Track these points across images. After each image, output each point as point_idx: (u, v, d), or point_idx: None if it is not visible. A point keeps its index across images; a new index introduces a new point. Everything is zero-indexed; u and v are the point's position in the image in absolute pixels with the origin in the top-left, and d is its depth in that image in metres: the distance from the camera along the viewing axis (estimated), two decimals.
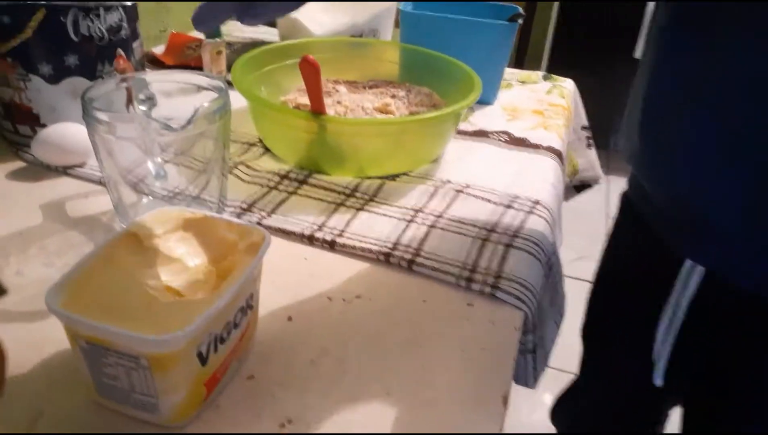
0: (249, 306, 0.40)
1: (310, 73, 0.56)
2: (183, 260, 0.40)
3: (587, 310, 0.72)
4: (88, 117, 0.47)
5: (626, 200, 0.63)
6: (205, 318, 0.33)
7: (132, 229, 0.40)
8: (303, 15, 0.93)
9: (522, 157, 0.72)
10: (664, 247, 0.53)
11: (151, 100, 0.56)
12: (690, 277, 0.50)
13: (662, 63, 0.48)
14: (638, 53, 2.38)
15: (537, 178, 0.67)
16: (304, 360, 0.42)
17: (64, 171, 0.63)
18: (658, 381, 0.56)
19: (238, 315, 0.38)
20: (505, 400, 0.39)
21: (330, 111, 0.70)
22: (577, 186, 0.98)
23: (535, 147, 0.74)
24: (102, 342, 0.33)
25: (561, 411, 0.82)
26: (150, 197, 0.56)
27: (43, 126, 0.64)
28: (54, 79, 0.63)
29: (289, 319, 0.45)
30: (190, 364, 0.34)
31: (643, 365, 0.57)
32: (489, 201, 0.61)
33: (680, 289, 0.51)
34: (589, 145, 0.96)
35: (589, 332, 0.73)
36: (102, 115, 0.46)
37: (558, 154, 0.74)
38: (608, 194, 2.44)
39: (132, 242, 0.40)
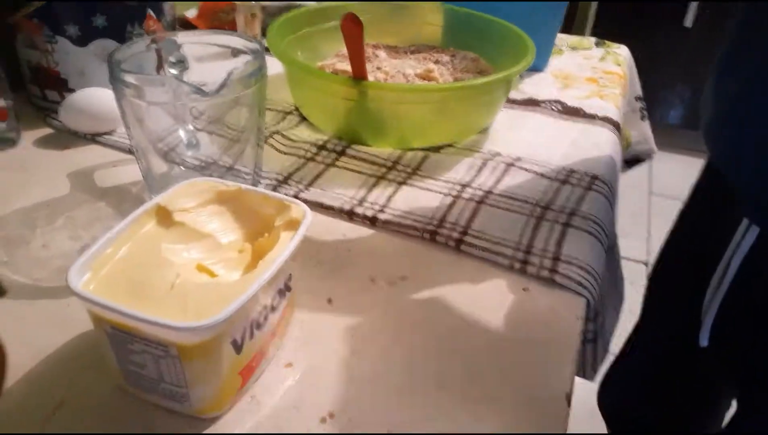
0: (287, 288, 0.36)
1: (353, 33, 0.51)
2: (216, 236, 0.37)
3: (656, 262, 0.70)
4: (115, 80, 0.44)
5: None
6: (241, 303, 0.29)
7: (161, 202, 0.37)
8: None
9: (577, 128, 0.66)
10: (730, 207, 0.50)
11: (182, 64, 0.52)
12: (745, 237, 0.49)
13: None
14: (688, 22, 2.25)
15: (594, 151, 0.61)
16: (345, 348, 0.38)
17: (93, 138, 0.60)
18: (704, 341, 0.54)
19: (275, 298, 0.35)
20: (568, 399, 0.35)
21: (369, 77, 0.65)
22: (628, 160, 0.92)
23: (591, 117, 0.69)
24: (128, 328, 0.30)
25: (608, 390, 0.77)
26: (181, 167, 0.53)
27: (72, 91, 0.61)
28: (81, 40, 0.60)
29: (329, 301, 0.42)
30: (224, 352, 0.31)
31: (692, 325, 0.55)
32: (543, 175, 0.56)
33: (734, 247, 0.50)
34: (643, 117, 0.89)
35: (649, 294, 0.70)
36: (130, 78, 0.43)
37: (615, 124, 0.68)
38: (650, 170, 2.34)
39: (161, 216, 0.37)
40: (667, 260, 0.69)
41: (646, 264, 1.73)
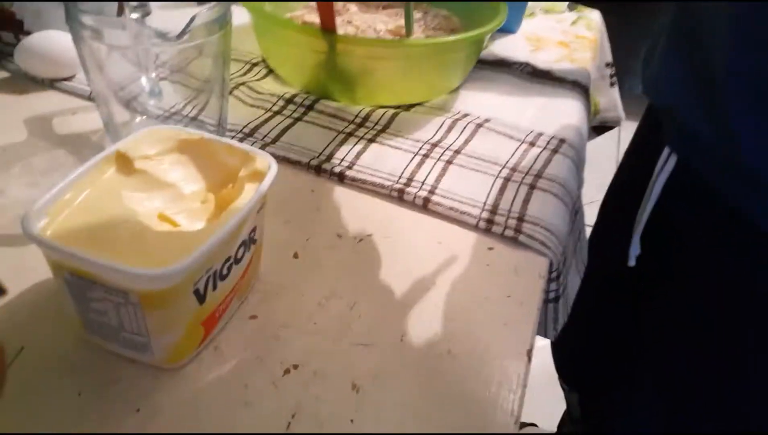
0: (252, 240, 0.36)
1: None
2: (178, 186, 0.36)
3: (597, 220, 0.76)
4: (72, 21, 0.42)
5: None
6: (203, 252, 0.29)
7: (121, 149, 0.36)
8: None
9: (546, 91, 0.67)
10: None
11: (144, 8, 0.50)
12: (667, 162, 0.55)
13: None
14: None
15: (562, 115, 0.62)
16: (311, 301, 0.38)
17: (51, 84, 0.58)
18: (632, 261, 0.59)
19: (240, 249, 0.34)
20: (529, 355, 0.36)
21: (339, 31, 0.64)
22: (596, 127, 0.93)
23: (560, 81, 0.69)
24: (88, 275, 0.29)
25: (558, 340, 0.80)
26: (143, 117, 0.52)
27: (28, 33, 0.59)
28: None
29: (296, 256, 0.42)
30: (186, 302, 0.31)
31: (624, 249, 0.60)
32: (511, 137, 0.57)
33: (657, 172, 0.55)
34: (612, 84, 0.90)
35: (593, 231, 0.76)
36: (88, 20, 0.41)
37: (584, 89, 0.69)
38: (619, 140, 2.38)
39: (121, 163, 0.35)
40: (607, 196, 0.75)
41: None
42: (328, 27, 0.53)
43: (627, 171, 0.72)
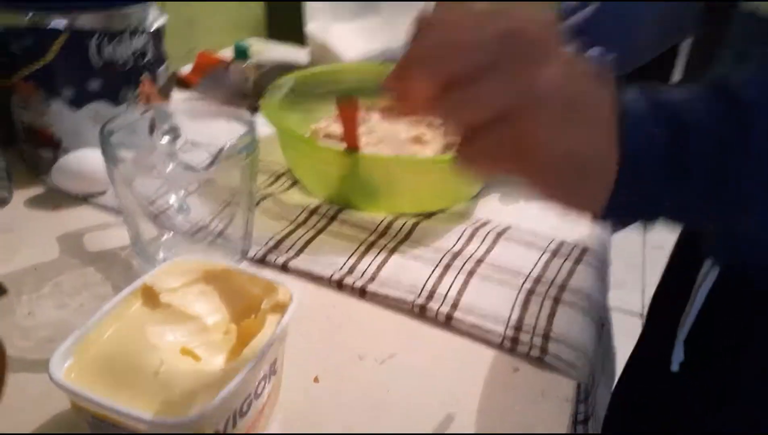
0: (273, 372, 0.36)
1: (349, 110, 0.52)
2: (201, 317, 0.36)
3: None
4: (106, 153, 0.44)
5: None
6: (223, 398, 0.29)
7: (148, 282, 0.36)
8: (333, 38, 0.89)
9: None
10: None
11: (174, 131, 0.53)
12: (708, 274, 0.54)
13: None
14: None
15: (584, 222, 0.62)
16: (333, 429, 0.37)
17: (85, 199, 0.60)
18: (675, 366, 0.56)
19: (260, 384, 0.34)
20: None
21: (362, 139, 0.66)
22: None
23: None
24: (109, 419, 0.29)
25: None
26: (171, 233, 0.53)
27: (65, 150, 0.62)
28: (76, 103, 0.60)
29: (316, 379, 0.41)
30: None
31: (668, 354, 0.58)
32: (533, 246, 0.57)
33: (700, 282, 0.55)
34: None
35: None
36: (121, 153, 0.43)
37: None
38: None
39: (147, 296, 0.36)
40: (651, 306, 0.74)
41: (641, 316, 1.73)
42: (351, 145, 0.55)
43: (668, 283, 0.71)
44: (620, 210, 0.30)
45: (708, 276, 0.55)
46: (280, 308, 0.35)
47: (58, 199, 0.61)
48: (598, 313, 0.50)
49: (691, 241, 0.64)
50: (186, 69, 0.96)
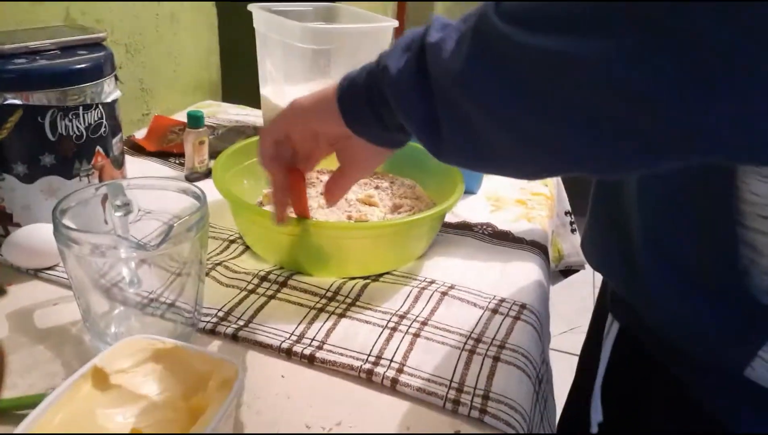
0: None
1: (296, 181, 0.55)
2: (151, 397, 0.38)
3: None
4: (59, 234, 0.45)
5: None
6: None
7: (98, 364, 0.38)
8: (286, 101, 0.93)
9: (506, 253, 0.71)
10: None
11: (127, 207, 0.54)
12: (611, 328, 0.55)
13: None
14: None
15: (522, 278, 0.66)
16: None
17: (35, 273, 0.61)
18: (594, 428, 0.56)
19: None
20: None
21: (312, 202, 0.68)
22: (563, 270, 0.97)
23: (519, 241, 0.73)
24: None
25: None
26: (122, 307, 0.54)
27: (17, 225, 0.62)
28: (29, 178, 0.61)
29: None
30: None
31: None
32: (474, 305, 0.60)
33: (605, 335, 0.56)
34: (573, 230, 0.95)
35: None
36: (73, 234, 0.45)
37: (542, 248, 0.73)
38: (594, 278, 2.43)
39: (98, 379, 0.37)
40: (579, 360, 0.74)
41: None
42: (300, 214, 0.58)
43: (590, 336, 0.71)
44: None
45: (611, 328, 0.55)
46: (228, 384, 0.37)
47: (7, 274, 0.61)
48: (536, 369, 0.53)
49: (603, 291, 0.64)
50: (140, 133, 0.98)
